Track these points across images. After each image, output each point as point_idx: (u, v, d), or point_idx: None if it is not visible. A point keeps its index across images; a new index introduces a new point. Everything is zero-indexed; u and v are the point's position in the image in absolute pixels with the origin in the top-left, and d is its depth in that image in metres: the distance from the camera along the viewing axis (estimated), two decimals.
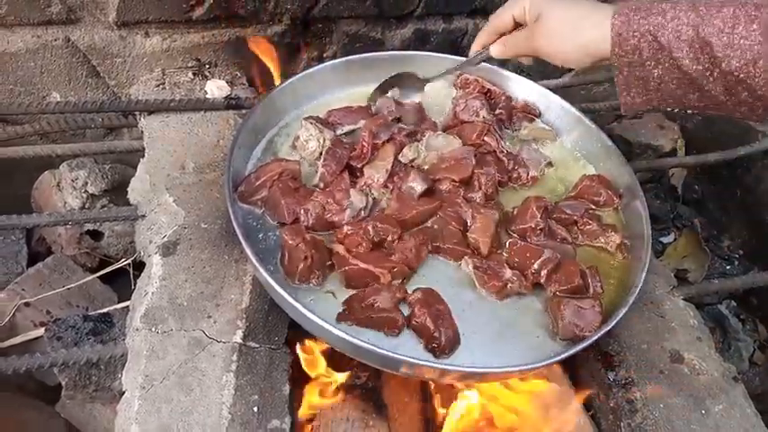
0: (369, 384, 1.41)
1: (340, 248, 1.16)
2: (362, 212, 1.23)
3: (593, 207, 1.37)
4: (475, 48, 1.35)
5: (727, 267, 1.99)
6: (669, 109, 1.12)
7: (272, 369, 1.13)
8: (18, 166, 1.57)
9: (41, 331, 1.40)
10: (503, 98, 1.54)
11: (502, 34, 1.28)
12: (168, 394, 1.06)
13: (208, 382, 1.07)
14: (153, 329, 1.13)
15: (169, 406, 1.04)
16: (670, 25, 0.98)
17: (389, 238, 1.18)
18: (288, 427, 1.08)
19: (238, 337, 1.13)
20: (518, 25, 1.24)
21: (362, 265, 1.13)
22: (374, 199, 1.27)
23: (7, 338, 1.46)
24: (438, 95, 1.56)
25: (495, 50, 1.29)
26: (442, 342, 1.08)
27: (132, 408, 1.04)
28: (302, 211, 1.22)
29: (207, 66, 1.66)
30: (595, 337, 1.09)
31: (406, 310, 1.13)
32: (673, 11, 0.99)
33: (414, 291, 1.14)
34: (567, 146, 1.51)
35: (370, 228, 1.18)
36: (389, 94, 1.48)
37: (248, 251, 1.10)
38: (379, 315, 1.09)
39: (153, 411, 1.04)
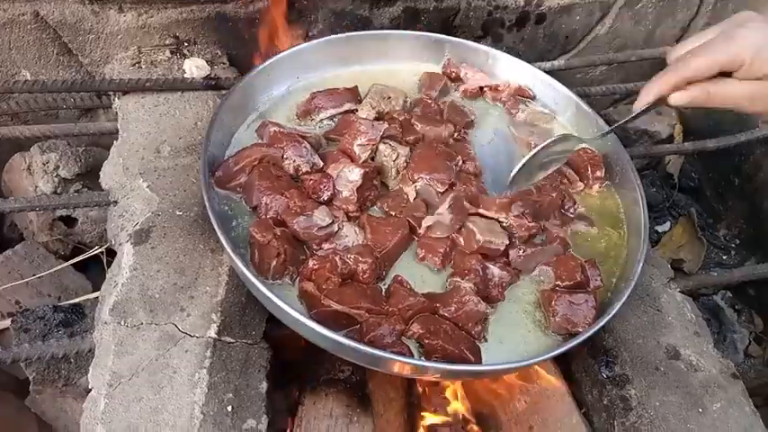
0: (353, 378, 1.36)
1: (309, 286, 1.06)
2: (321, 232, 1.13)
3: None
4: (649, 96, 1.03)
5: (724, 257, 1.95)
6: None
7: (249, 366, 1.07)
8: None
9: (8, 323, 1.33)
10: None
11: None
12: (137, 392, 1.00)
13: (179, 379, 1.01)
14: (122, 323, 1.07)
15: (137, 405, 0.98)
16: None
17: (360, 269, 1.10)
18: (264, 427, 1.02)
19: (213, 332, 1.07)
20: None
21: (336, 307, 1.04)
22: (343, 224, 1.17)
23: None
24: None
25: (684, 99, 1.01)
26: (471, 359, 1.02)
27: (98, 407, 0.98)
28: (263, 202, 1.14)
29: (185, 44, 1.57)
30: (589, 333, 1.04)
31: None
32: None
33: (411, 323, 1.06)
34: (564, 126, 1.45)
35: (337, 259, 1.09)
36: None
37: (224, 242, 1.04)
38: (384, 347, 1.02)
39: (120, 410, 0.98)
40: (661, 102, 1.04)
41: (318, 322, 0.98)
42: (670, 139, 2.02)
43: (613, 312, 1.07)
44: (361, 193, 1.20)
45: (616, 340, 1.20)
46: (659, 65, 2.05)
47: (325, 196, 1.19)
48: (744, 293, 1.89)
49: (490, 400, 1.36)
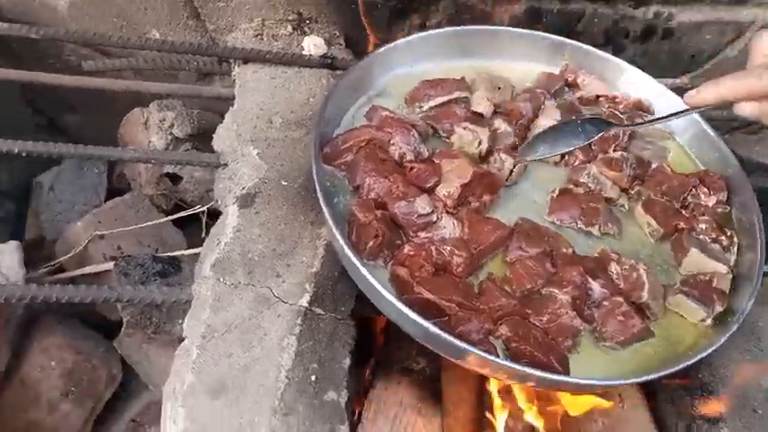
0: (426, 371, 1.35)
1: (402, 272, 1.06)
2: (420, 219, 1.13)
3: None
4: (707, 97, 0.99)
5: None
6: None
7: (335, 339, 1.09)
8: (110, 99, 1.58)
9: (110, 265, 1.41)
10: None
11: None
12: (228, 348, 1.03)
13: (269, 342, 1.04)
14: (221, 280, 1.10)
15: (227, 360, 1.01)
16: None
17: (455, 261, 1.09)
18: (344, 401, 1.03)
19: (305, 301, 1.09)
20: None
21: (427, 296, 1.04)
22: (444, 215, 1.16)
23: (77, 267, 1.48)
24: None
25: (755, 113, 0.95)
26: (559, 369, 1.00)
27: (191, 356, 1.02)
28: (366, 183, 1.15)
29: (307, 21, 1.61)
30: (691, 362, 0.99)
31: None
32: None
33: (500, 323, 1.04)
34: (682, 147, 1.40)
35: (433, 249, 1.09)
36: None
37: (328, 216, 1.05)
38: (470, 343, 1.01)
39: (211, 363, 1.01)
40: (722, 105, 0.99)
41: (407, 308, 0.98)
42: None
43: (717, 345, 1.01)
44: (465, 191, 1.19)
45: (713, 375, 1.14)
46: None
47: (429, 184, 1.18)
48: None
49: (565, 416, 1.32)
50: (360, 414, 1.29)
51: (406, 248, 1.10)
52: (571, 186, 1.28)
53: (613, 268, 1.14)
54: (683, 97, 1.07)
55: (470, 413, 1.34)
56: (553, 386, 1.09)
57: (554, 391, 1.21)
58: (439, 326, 1.00)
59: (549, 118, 1.34)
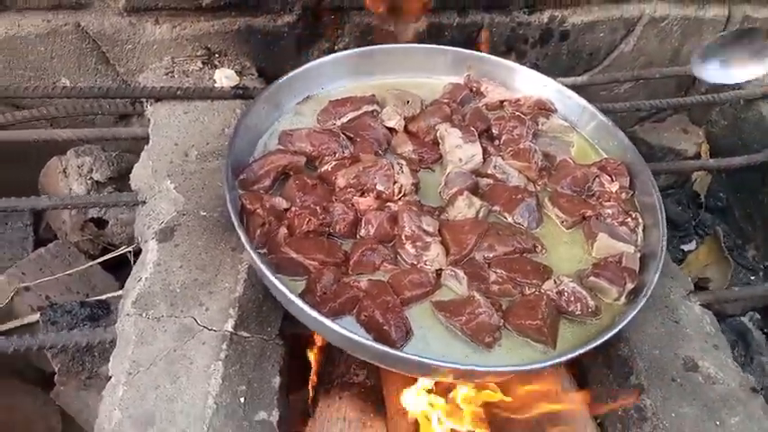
0: (367, 383, 1.36)
1: (282, 231, 1.14)
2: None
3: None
4: None
5: (752, 278, 1.91)
6: None
7: (263, 360, 1.09)
8: (26, 150, 1.56)
9: (38, 316, 1.38)
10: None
11: None
12: (154, 381, 1.02)
13: (195, 370, 1.04)
14: (143, 315, 1.10)
15: (154, 393, 1.01)
16: None
17: (338, 228, 1.18)
18: (275, 420, 1.03)
19: (229, 326, 1.10)
20: None
21: (292, 255, 1.10)
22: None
23: (4, 322, 1.45)
24: None
25: None
26: (393, 337, 1.04)
27: (117, 393, 1.01)
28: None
29: (216, 55, 1.63)
30: (602, 340, 1.03)
31: None
32: None
33: (359, 281, 1.11)
34: (586, 139, 1.48)
35: (318, 209, 1.16)
36: None
37: (243, 237, 1.07)
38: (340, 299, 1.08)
39: (137, 398, 1.01)
40: None
41: (277, 268, 1.08)
42: (697, 157, 2.00)
43: (627, 320, 1.06)
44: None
45: (632, 350, 1.19)
46: (685, 82, 2.05)
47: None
48: None
49: (505, 409, 1.35)
50: None
51: (293, 208, 1.18)
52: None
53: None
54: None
55: (415, 420, 1.35)
56: (473, 377, 1.12)
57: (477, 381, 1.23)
58: (353, 331, 1.01)
59: (453, 137, 1.37)
